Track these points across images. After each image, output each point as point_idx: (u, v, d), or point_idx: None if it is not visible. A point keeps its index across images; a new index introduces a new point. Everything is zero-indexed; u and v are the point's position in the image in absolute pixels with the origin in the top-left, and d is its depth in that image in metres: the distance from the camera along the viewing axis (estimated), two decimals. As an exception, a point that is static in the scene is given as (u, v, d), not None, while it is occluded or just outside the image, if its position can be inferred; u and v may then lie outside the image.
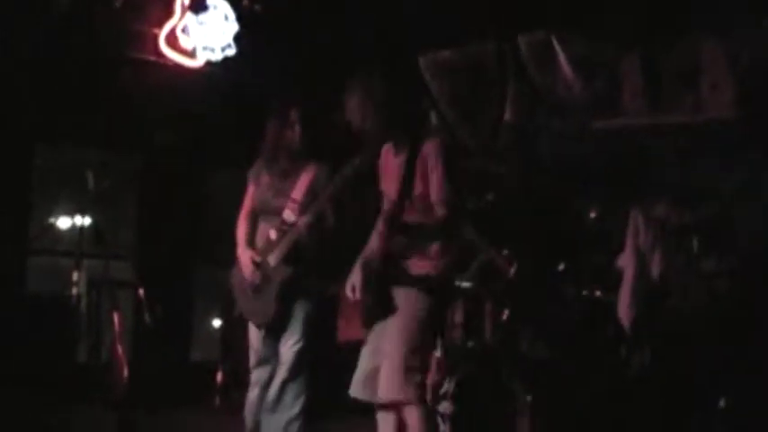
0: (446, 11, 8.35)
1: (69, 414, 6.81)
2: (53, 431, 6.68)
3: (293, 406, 5.38)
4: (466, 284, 6.13)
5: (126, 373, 7.41)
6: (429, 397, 5.21)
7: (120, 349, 7.48)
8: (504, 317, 5.87)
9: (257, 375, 5.60)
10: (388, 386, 4.52)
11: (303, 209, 5.40)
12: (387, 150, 4.91)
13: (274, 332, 5.50)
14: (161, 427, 7.28)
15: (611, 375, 5.26)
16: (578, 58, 7.86)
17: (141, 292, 7.74)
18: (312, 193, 5.43)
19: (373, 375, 4.61)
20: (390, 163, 4.88)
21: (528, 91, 8.24)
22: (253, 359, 5.63)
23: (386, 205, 4.86)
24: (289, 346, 5.43)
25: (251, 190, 5.70)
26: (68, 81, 8.07)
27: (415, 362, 4.52)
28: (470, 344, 6.10)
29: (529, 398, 5.44)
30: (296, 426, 5.38)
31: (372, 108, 4.72)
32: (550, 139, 7.93)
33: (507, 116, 8.33)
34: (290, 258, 5.36)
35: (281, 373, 5.44)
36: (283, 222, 5.43)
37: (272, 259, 5.39)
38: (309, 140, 5.54)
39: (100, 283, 7.92)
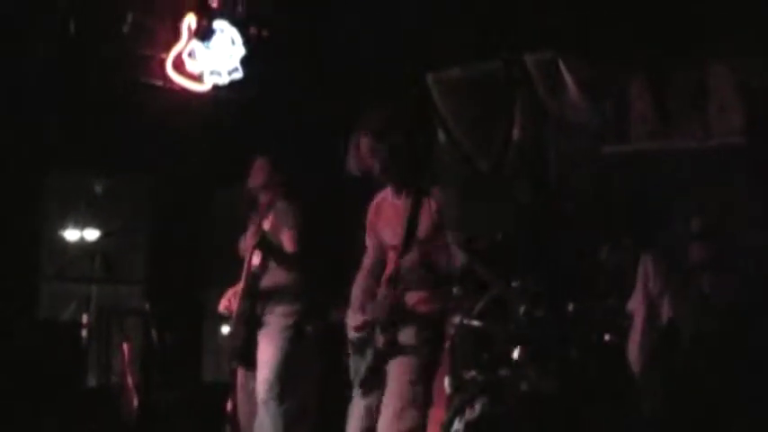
0: (453, 27, 8.31)
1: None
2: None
3: None
4: (475, 323, 6.09)
5: (136, 402, 7.45)
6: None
7: (129, 379, 7.53)
8: (516, 354, 5.83)
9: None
10: None
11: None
12: (381, 198, 4.81)
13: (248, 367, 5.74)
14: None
15: (623, 420, 5.23)
16: (586, 82, 7.80)
17: (150, 318, 7.79)
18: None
19: None
20: (388, 209, 4.75)
21: (536, 110, 8.18)
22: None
23: (376, 253, 4.76)
24: (260, 382, 5.63)
25: None
26: (75, 106, 8.05)
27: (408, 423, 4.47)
28: (480, 379, 6.05)
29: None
30: None
31: (385, 152, 4.59)
32: (559, 162, 7.88)
33: (515, 135, 8.28)
34: (245, 294, 5.58)
35: (260, 412, 5.61)
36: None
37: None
38: (278, 182, 5.76)
39: (110, 311, 8.01)
